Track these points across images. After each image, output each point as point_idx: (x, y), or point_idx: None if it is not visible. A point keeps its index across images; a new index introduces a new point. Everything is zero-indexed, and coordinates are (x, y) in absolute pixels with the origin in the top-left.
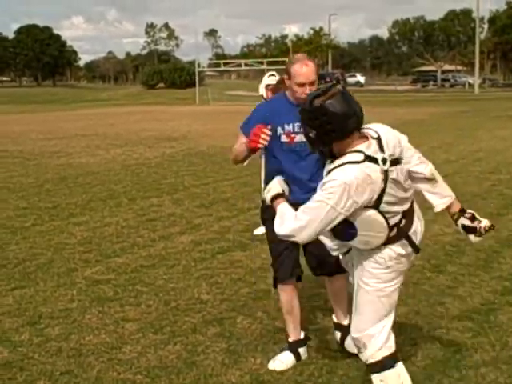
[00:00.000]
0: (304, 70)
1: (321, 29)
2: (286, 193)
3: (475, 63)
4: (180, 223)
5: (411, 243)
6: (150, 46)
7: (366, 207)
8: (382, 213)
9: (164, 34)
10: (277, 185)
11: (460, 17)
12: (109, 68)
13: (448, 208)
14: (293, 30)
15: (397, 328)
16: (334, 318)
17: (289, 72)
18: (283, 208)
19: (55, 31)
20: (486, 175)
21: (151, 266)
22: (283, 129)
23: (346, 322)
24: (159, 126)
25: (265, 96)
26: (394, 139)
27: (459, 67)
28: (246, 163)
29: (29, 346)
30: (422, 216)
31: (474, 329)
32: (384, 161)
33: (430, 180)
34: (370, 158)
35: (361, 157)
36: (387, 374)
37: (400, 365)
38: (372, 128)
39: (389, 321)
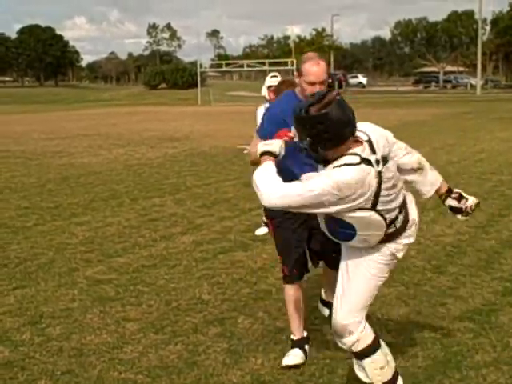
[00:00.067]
0: (315, 69)
1: (323, 30)
2: (280, 157)
3: (477, 64)
4: (182, 223)
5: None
6: (152, 46)
7: (364, 209)
8: (379, 212)
9: (166, 35)
10: (277, 145)
11: (462, 18)
12: (111, 68)
13: (436, 190)
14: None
15: (398, 328)
16: (323, 296)
17: (300, 70)
18: (271, 168)
19: (57, 31)
20: (487, 176)
21: (153, 265)
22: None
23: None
24: (161, 127)
25: (267, 97)
26: (383, 139)
27: (461, 68)
28: None
29: (30, 345)
30: (422, 217)
31: (475, 329)
32: (377, 162)
33: (418, 169)
34: (365, 161)
35: (357, 159)
36: (375, 356)
37: (383, 344)
38: (361, 130)
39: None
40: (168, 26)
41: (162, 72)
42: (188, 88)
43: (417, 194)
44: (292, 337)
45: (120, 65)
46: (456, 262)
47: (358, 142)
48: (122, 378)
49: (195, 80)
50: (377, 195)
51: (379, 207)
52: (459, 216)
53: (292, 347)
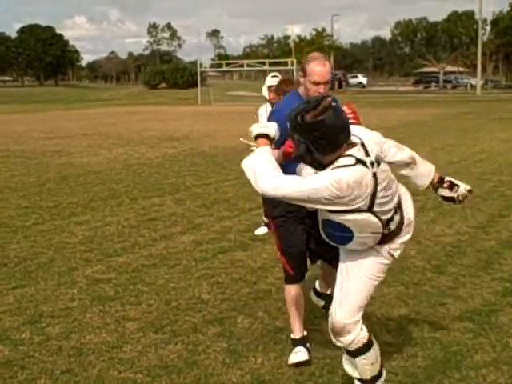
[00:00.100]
0: (321, 69)
1: (323, 29)
2: (275, 140)
3: (477, 65)
4: (181, 223)
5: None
6: (153, 46)
7: (361, 211)
8: (375, 214)
9: (166, 34)
10: (273, 128)
11: (463, 18)
12: (111, 68)
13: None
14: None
15: (397, 328)
16: (317, 287)
17: (305, 70)
18: (267, 155)
19: (57, 31)
20: (487, 176)
21: (152, 265)
22: None
23: (328, 292)
24: (161, 126)
25: (267, 97)
26: (373, 140)
27: (461, 68)
28: None
29: (29, 344)
30: (422, 217)
31: (475, 330)
32: (372, 164)
33: (410, 164)
34: (361, 162)
35: (352, 160)
36: (368, 353)
37: (374, 340)
38: (354, 134)
39: None
40: (168, 26)
41: (162, 72)
42: (188, 88)
43: (411, 185)
44: (292, 336)
45: (120, 64)
46: (456, 262)
47: (351, 144)
48: (122, 378)
49: (195, 80)
50: (373, 196)
51: (376, 209)
52: (452, 203)
53: (294, 346)
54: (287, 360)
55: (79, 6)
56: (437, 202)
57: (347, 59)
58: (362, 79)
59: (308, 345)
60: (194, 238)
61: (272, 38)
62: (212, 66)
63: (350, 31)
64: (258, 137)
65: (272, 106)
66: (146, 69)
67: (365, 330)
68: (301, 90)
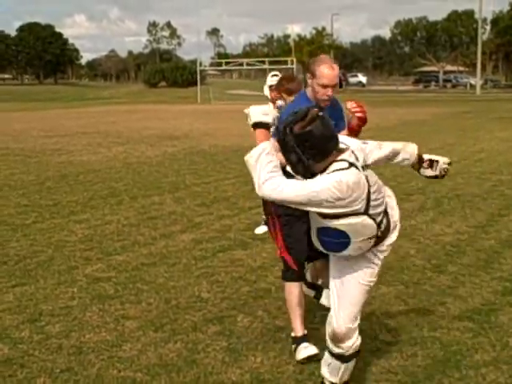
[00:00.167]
0: (330, 72)
1: (323, 29)
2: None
3: (477, 64)
4: (181, 221)
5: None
6: (152, 44)
7: (358, 214)
8: (371, 216)
9: (166, 33)
10: (269, 111)
11: (462, 17)
12: (111, 66)
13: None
14: (295, 29)
15: (397, 328)
16: (308, 278)
17: (313, 72)
18: (268, 156)
19: (57, 29)
20: (487, 176)
21: (152, 264)
22: None
23: (319, 282)
24: (161, 125)
25: (269, 97)
26: (358, 148)
27: (461, 68)
28: None
29: (29, 343)
30: (422, 216)
31: (475, 329)
32: (363, 168)
33: (392, 157)
34: (354, 165)
35: (346, 164)
36: (351, 363)
37: None
38: (341, 141)
39: None
40: (168, 24)
41: (161, 70)
42: (188, 86)
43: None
44: (294, 334)
45: (120, 63)
46: (455, 261)
47: (343, 150)
48: (121, 376)
49: (195, 78)
50: (368, 199)
51: (371, 211)
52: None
53: (298, 343)
54: (287, 359)
55: (79, 5)
56: (436, 202)
57: (347, 58)
58: (362, 78)
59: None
60: (194, 236)
61: (272, 36)
62: (212, 64)
63: (349, 30)
64: (256, 125)
65: (274, 105)
66: (145, 67)
67: (359, 337)
68: (308, 91)
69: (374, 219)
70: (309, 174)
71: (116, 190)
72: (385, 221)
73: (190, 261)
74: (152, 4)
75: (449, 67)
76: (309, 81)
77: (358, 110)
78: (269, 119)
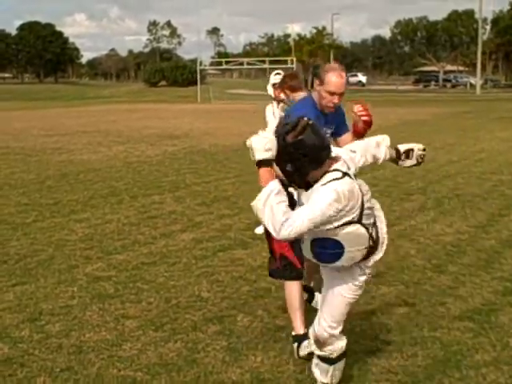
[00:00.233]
0: (338, 80)
1: (323, 28)
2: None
3: (477, 64)
4: (181, 221)
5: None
6: (153, 43)
7: (352, 222)
8: (364, 225)
9: (166, 32)
10: (275, 147)
11: (463, 17)
12: (111, 65)
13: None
14: (295, 29)
15: (397, 328)
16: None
17: (322, 78)
18: (276, 197)
19: (57, 28)
20: (487, 176)
21: (152, 263)
22: None
23: (311, 285)
24: (161, 124)
25: (272, 95)
26: (348, 157)
27: (461, 68)
28: None
29: (29, 342)
30: (422, 216)
31: (475, 329)
32: (355, 176)
33: (376, 161)
34: (347, 174)
35: (339, 174)
36: (344, 360)
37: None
38: (333, 151)
39: None
40: (168, 24)
41: (161, 69)
42: (188, 85)
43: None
44: (294, 332)
45: (120, 62)
46: (456, 261)
47: (335, 159)
48: (121, 376)
49: (195, 78)
50: (362, 207)
51: (364, 220)
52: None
53: (301, 341)
54: (287, 358)
55: (79, 4)
56: (437, 202)
57: (347, 58)
58: (362, 78)
59: None
60: (194, 236)
61: (272, 36)
62: (212, 63)
63: (350, 30)
64: (260, 163)
65: (278, 104)
66: (145, 66)
67: (345, 338)
68: (314, 95)
69: (366, 229)
70: (304, 183)
71: (116, 189)
72: (374, 233)
73: (190, 260)
74: (152, 3)
75: (449, 67)
76: (317, 87)
77: (364, 113)
78: (272, 153)
